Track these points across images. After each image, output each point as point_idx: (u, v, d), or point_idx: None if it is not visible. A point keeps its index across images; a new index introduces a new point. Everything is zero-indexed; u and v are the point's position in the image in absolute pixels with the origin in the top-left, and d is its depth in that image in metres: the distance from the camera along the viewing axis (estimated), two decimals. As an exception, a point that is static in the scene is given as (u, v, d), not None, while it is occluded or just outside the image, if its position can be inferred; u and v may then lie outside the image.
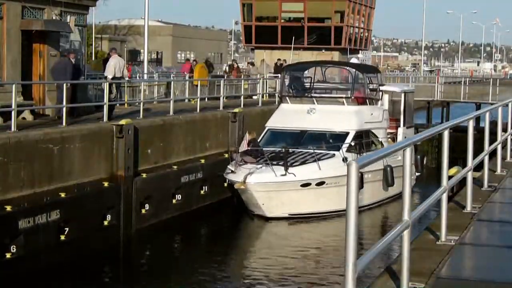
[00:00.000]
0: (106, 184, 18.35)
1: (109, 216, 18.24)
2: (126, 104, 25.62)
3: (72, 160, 17.53)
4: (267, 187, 20.49)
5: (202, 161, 22.81)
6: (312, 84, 25.66)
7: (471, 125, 8.83)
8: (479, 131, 11.55)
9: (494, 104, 13.21)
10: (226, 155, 22.88)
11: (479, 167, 10.57)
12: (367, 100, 24.88)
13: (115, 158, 18.97)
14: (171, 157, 22.09)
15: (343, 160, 21.08)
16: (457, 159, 16.11)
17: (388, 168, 22.27)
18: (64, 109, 18.77)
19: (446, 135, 7.28)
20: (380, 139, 24.28)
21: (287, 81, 25.58)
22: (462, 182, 9.16)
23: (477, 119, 27.40)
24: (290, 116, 24.08)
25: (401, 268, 5.76)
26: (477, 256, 7.17)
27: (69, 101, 19.74)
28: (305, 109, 24.13)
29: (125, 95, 27.12)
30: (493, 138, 11.68)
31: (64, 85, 19.12)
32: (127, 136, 19.14)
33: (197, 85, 27.84)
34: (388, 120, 25.85)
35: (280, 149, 22.09)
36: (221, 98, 27.42)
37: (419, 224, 8.27)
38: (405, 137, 25.62)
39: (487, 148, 10.68)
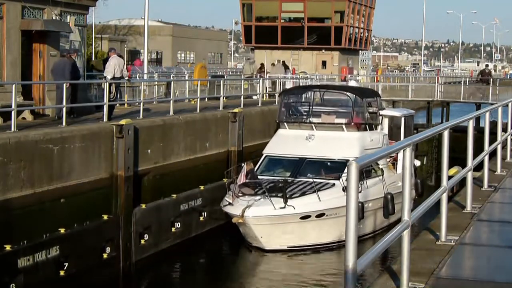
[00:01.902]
0: (105, 217, 18.35)
1: (108, 248, 18.16)
2: (126, 104, 25.62)
3: (72, 160, 17.51)
4: (266, 221, 19.96)
5: (202, 187, 22.67)
6: (310, 109, 25.05)
7: (471, 125, 8.84)
8: (479, 131, 11.57)
9: (494, 104, 13.21)
10: (225, 180, 22.29)
11: (479, 167, 10.57)
12: (366, 126, 24.31)
13: (115, 158, 18.95)
14: (171, 157, 22.09)
15: (343, 189, 20.35)
16: (457, 159, 16.10)
17: (389, 196, 21.43)
18: (64, 109, 18.78)
19: (446, 135, 7.28)
20: (380, 166, 23.58)
21: (284, 107, 25.01)
22: (462, 182, 9.16)
23: (477, 119, 27.42)
24: (289, 142, 23.50)
25: (401, 268, 5.77)
26: (477, 256, 7.17)
27: (68, 101, 19.74)
28: (304, 135, 23.56)
29: (125, 95, 27.14)
30: (493, 138, 11.69)
31: (64, 85, 19.11)
32: (127, 136, 19.13)
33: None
34: (388, 145, 25.36)
35: (278, 178, 21.67)
36: (221, 98, 27.42)
37: (419, 224, 8.28)
38: None
39: (487, 148, 10.69)
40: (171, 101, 23.76)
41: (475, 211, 8.91)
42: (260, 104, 30.44)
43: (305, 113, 24.94)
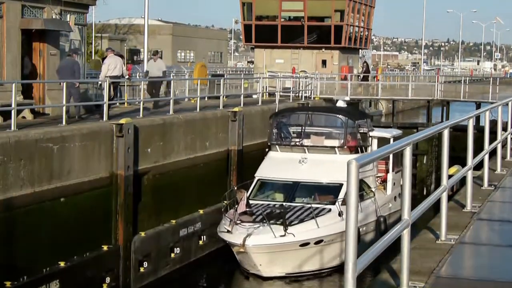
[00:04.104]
0: (105, 247, 18.47)
1: (108, 278, 18.24)
2: (126, 104, 25.61)
3: (72, 159, 17.52)
4: (267, 249, 19.83)
5: (201, 211, 22.75)
6: (302, 131, 24.69)
7: (471, 124, 8.84)
8: (479, 130, 11.57)
9: (494, 103, 13.21)
10: (225, 202, 22.02)
11: (479, 166, 10.57)
12: (358, 148, 24.12)
13: (115, 157, 18.96)
14: (171, 156, 22.09)
15: (339, 214, 20.39)
16: (457, 158, 16.11)
17: (381, 219, 21.45)
18: (64, 108, 18.76)
19: (446, 134, 7.28)
20: (372, 188, 23.52)
21: (275, 129, 24.77)
22: (462, 181, 9.16)
23: (477, 118, 27.42)
24: (281, 165, 23.30)
25: (401, 267, 5.77)
26: (477, 255, 7.16)
27: (79, 100, 19.92)
28: (296, 158, 23.38)
29: (125, 94, 27.13)
30: (493, 137, 11.69)
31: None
32: (127, 135, 19.13)
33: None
34: (378, 166, 25.22)
35: (275, 203, 21.64)
36: (221, 97, 27.41)
37: (419, 223, 8.30)
38: (393, 183, 25.14)
39: (487, 147, 10.68)
40: (171, 100, 23.74)
41: (475, 210, 8.91)
42: (260, 103, 30.44)
43: (297, 136, 24.67)
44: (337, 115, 25.17)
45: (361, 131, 24.87)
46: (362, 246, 19.67)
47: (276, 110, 28.17)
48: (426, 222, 8.08)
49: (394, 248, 5.78)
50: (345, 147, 23.67)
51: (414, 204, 6.19)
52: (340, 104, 28.53)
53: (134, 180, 19.65)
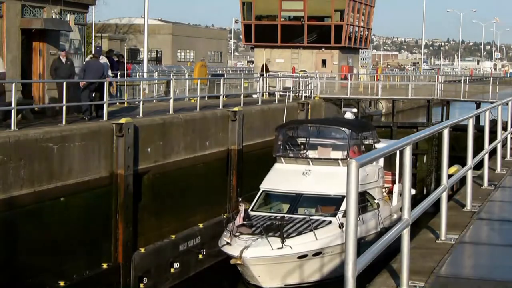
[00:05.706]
0: (105, 265, 18.54)
1: None
2: (126, 103, 25.61)
3: (72, 159, 17.51)
4: (264, 261, 19.97)
5: (201, 225, 22.83)
6: (307, 143, 24.80)
7: (471, 124, 8.84)
8: (479, 130, 11.58)
9: (494, 103, 13.21)
10: (225, 215, 22.05)
11: (479, 166, 10.57)
12: None
13: (115, 156, 18.96)
14: (171, 156, 22.09)
15: (339, 226, 20.55)
16: (457, 157, 16.10)
17: (384, 231, 21.67)
18: (64, 107, 18.76)
19: (446, 133, 7.29)
20: (376, 200, 23.60)
21: (280, 141, 24.80)
22: (462, 180, 9.16)
23: (477, 118, 27.43)
24: (285, 177, 23.46)
25: (401, 267, 5.77)
26: (477, 254, 7.17)
27: (87, 99, 20.09)
28: (300, 169, 23.51)
29: (125, 94, 27.12)
30: (493, 136, 11.69)
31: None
32: (127, 134, 19.13)
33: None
34: (384, 177, 25.22)
35: (276, 215, 21.77)
36: (221, 97, 27.41)
37: (419, 223, 8.30)
38: (400, 194, 24.95)
39: (487, 146, 10.69)
40: (171, 100, 23.75)
41: (475, 209, 8.92)
42: (260, 103, 30.44)
43: (302, 148, 24.80)
44: (341, 128, 25.14)
45: (366, 142, 24.89)
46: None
47: (284, 111, 28.22)
48: (426, 222, 8.08)
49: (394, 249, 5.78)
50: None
51: (414, 204, 6.20)
52: (348, 116, 28.55)
53: (134, 179, 19.65)
